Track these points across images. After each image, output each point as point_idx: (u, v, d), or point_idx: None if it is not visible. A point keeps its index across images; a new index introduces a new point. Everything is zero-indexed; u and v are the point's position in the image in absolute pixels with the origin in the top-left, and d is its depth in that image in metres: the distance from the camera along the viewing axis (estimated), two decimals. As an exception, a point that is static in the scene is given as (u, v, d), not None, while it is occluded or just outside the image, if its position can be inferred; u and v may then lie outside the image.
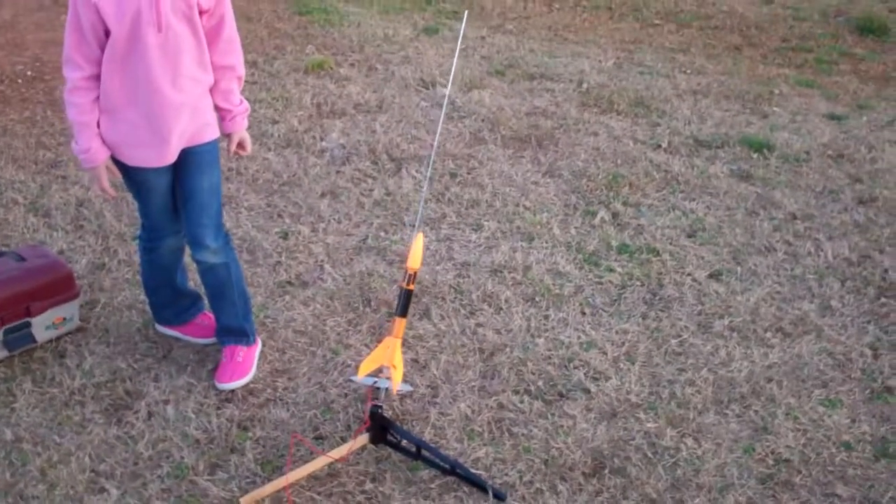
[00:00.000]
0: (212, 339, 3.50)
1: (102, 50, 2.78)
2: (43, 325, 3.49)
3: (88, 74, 2.82)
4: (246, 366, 3.35)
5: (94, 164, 2.97)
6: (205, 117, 3.02)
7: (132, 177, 3.07)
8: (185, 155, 3.03)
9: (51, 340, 3.53)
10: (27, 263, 3.52)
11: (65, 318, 3.55)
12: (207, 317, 3.56)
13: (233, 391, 3.31)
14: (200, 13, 2.84)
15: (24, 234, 4.27)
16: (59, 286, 3.52)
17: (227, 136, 3.18)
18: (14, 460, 3.00)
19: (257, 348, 3.45)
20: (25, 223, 4.35)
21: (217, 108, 3.11)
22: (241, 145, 3.23)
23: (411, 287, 3.05)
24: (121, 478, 2.94)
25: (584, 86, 6.48)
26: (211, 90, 3.05)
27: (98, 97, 2.86)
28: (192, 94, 2.93)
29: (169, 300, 3.49)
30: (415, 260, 3.03)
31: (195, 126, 2.99)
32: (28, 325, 3.44)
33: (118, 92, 2.84)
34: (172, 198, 3.16)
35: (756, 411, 3.32)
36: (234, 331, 3.36)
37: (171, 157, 2.98)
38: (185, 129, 2.96)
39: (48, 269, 3.53)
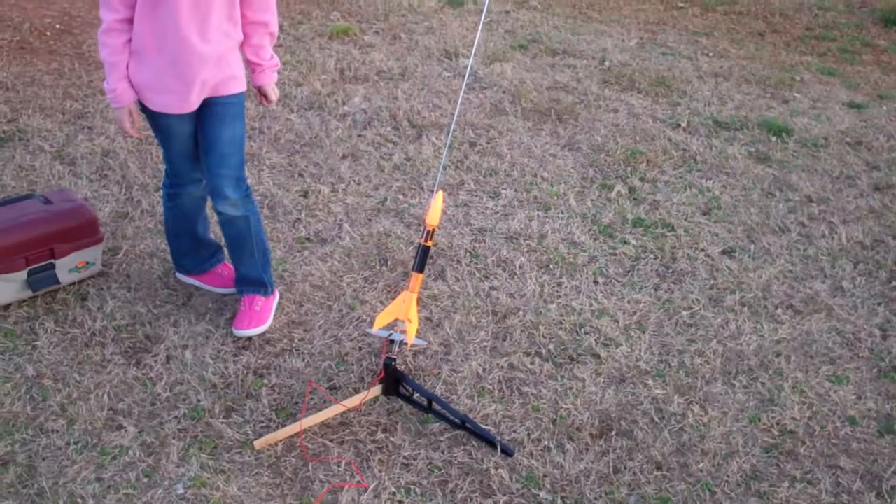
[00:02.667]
0: (230, 290, 3.56)
1: None
2: (66, 268, 3.55)
3: (122, 17, 2.87)
4: (263, 315, 3.41)
5: (120, 103, 3.02)
6: (231, 70, 3.06)
7: (157, 121, 3.13)
8: (209, 105, 3.08)
9: (73, 283, 3.60)
10: (53, 206, 3.58)
11: (88, 262, 3.61)
12: (227, 267, 3.62)
13: (249, 339, 3.37)
14: None
15: (49, 180, 4.33)
16: (83, 230, 3.58)
17: (256, 87, 3.23)
18: (35, 395, 3.07)
19: (275, 299, 3.51)
20: (51, 170, 4.42)
21: (248, 62, 3.16)
22: (265, 95, 3.29)
23: (429, 243, 3.10)
24: (138, 416, 3.01)
25: (606, 63, 6.51)
26: (242, 44, 3.10)
27: (130, 40, 2.91)
28: (219, 46, 2.97)
29: (189, 248, 3.55)
30: (433, 217, 3.08)
31: (220, 77, 3.04)
32: (52, 266, 3.51)
33: (147, 36, 2.89)
34: (195, 146, 3.21)
35: (763, 383, 3.37)
36: (253, 281, 3.42)
37: (194, 104, 3.03)
38: (208, 78, 3.00)
39: (73, 213, 3.59)
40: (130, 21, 2.88)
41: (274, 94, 3.30)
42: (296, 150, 4.83)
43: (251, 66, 3.19)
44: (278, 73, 3.27)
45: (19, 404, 3.02)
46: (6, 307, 3.45)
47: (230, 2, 2.94)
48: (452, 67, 6.16)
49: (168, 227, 3.52)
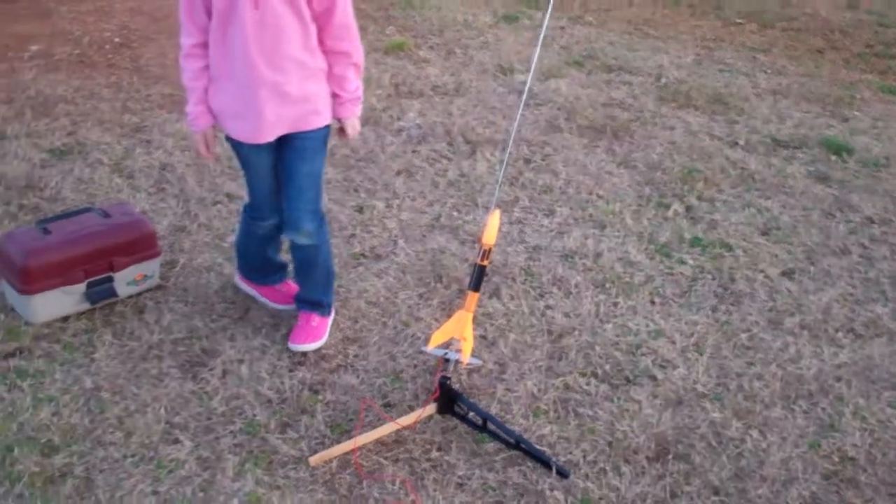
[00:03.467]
0: (287, 306, 3.58)
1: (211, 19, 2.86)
2: (124, 281, 3.60)
3: (198, 41, 2.90)
4: (319, 331, 3.41)
5: (196, 128, 3.06)
6: (312, 104, 3.01)
7: (235, 149, 3.16)
8: (289, 139, 3.06)
9: (131, 296, 3.64)
10: (112, 220, 3.63)
11: (146, 276, 3.65)
12: (288, 285, 3.63)
13: (305, 355, 3.38)
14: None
15: (108, 193, 4.39)
16: (141, 244, 3.63)
17: (336, 119, 3.18)
18: (93, 407, 3.10)
19: (331, 317, 3.51)
20: (110, 183, 4.48)
21: (331, 93, 3.09)
22: (342, 130, 3.21)
23: (485, 262, 3.09)
24: (194, 431, 3.03)
25: (663, 80, 6.45)
26: (327, 75, 3.04)
27: (208, 65, 2.94)
28: (292, 77, 2.91)
29: (256, 265, 3.59)
30: (490, 236, 3.07)
31: (298, 112, 2.99)
32: (111, 279, 3.55)
33: (220, 62, 2.91)
34: (275, 180, 3.20)
35: (823, 409, 3.30)
36: (314, 302, 3.43)
37: (266, 135, 3.01)
38: (284, 112, 2.96)
39: (132, 227, 3.64)
40: (206, 46, 2.91)
41: (353, 129, 3.19)
42: (351, 165, 4.85)
43: (333, 97, 3.09)
44: (361, 104, 3.18)
45: (77, 416, 3.05)
46: (65, 319, 3.49)
47: (303, 30, 2.88)
48: (507, 83, 6.15)
49: (239, 242, 3.56)
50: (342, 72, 3.02)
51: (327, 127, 3.11)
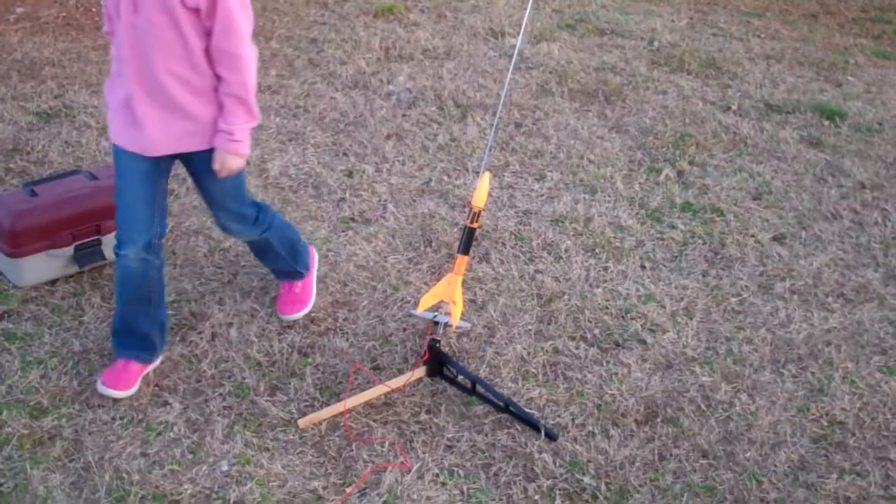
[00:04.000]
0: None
1: None
2: (112, 244, 3.56)
3: (109, 29, 2.73)
4: (305, 295, 3.40)
5: None
6: (200, 124, 2.71)
7: (115, 155, 2.84)
8: (188, 157, 2.83)
9: (120, 259, 3.61)
10: (100, 182, 3.60)
11: (134, 239, 3.62)
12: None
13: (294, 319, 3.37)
14: (189, 8, 2.51)
15: (95, 156, 4.36)
16: (130, 207, 3.59)
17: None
18: (82, 370, 3.09)
19: (313, 273, 3.45)
20: (97, 146, 4.44)
21: None
22: (223, 166, 2.78)
23: (475, 225, 3.08)
24: (183, 393, 3.02)
25: (655, 44, 6.41)
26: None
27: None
28: (172, 92, 2.62)
29: (132, 328, 3.00)
30: (480, 198, 3.05)
31: (182, 129, 2.71)
32: (98, 242, 3.53)
33: (114, 56, 2.69)
34: (149, 190, 2.82)
35: (813, 373, 3.31)
36: (286, 272, 3.38)
37: (147, 149, 2.72)
38: (166, 128, 2.69)
39: (120, 190, 3.60)
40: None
41: (221, 164, 2.76)
42: (340, 129, 4.82)
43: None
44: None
45: (66, 379, 3.04)
46: (53, 282, 3.47)
47: (183, 44, 2.56)
48: (498, 47, 6.10)
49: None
50: (221, 99, 2.68)
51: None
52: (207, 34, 2.58)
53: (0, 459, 2.73)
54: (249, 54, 2.65)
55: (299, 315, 3.36)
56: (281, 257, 3.28)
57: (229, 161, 2.75)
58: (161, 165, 2.81)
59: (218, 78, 2.65)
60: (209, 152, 2.75)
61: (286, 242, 3.26)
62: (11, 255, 3.37)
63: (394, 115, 5.01)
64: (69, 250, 3.47)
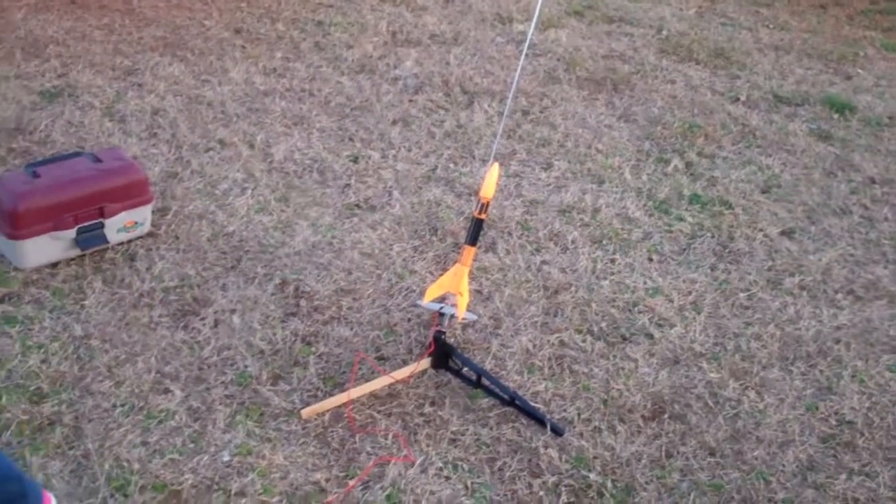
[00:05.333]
0: None
1: None
2: (115, 227, 3.53)
3: None
4: None
5: None
6: None
7: None
8: None
9: (122, 243, 3.57)
10: (103, 165, 3.55)
11: (137, 222, 3.58)
12: None
13: (298, 306, 3.32)
14: None
15: (99, 137, 4.30)
16: (133, 190, 3.55)
17: None
18: (82, 355, 3.05)
19: None
20: (101, 127, 4.39)
21: None
22: None
23: (483, 216, 3.03)
24: (185, 381, 2.98)
25: (664, 33, 6.35)
26: None
27: None
28: None
29: None
30: (488, 189, 3.00)
31: None
32: (101, 225, 3.48)
33: None
34: None
35: (821, 371, 3.27)
36: None
37: None
38: None
39: (123, 172, 3.56)
40: None
41: None
42: (346, 114, 4.76)
43: None
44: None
45: (66, 364, 3.00)
46: (54, 266, 3.43)
47: None
48: (506, 33, 6.04)
49: None
50: None
51: None
52: None
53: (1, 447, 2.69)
54: None
55: None
56: None
57: None
58: None
59: None
60: None
61: None
62: (13, 237, 3.32)
63: (400, 100, 4.96)
64: (72, 233, 3.42)
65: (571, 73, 5.51)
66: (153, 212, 3.68)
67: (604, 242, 3.89)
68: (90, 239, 3.49)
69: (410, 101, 4.96)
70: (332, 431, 2.84)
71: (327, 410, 2.90)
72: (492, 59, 5.58)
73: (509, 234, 3.88)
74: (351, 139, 4.51)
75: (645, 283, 3.66)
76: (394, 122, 4.71)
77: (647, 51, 5.99)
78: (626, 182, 4.35)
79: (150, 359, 3.04)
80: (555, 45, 5.91)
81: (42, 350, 3.05)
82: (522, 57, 3.56)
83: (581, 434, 2.92)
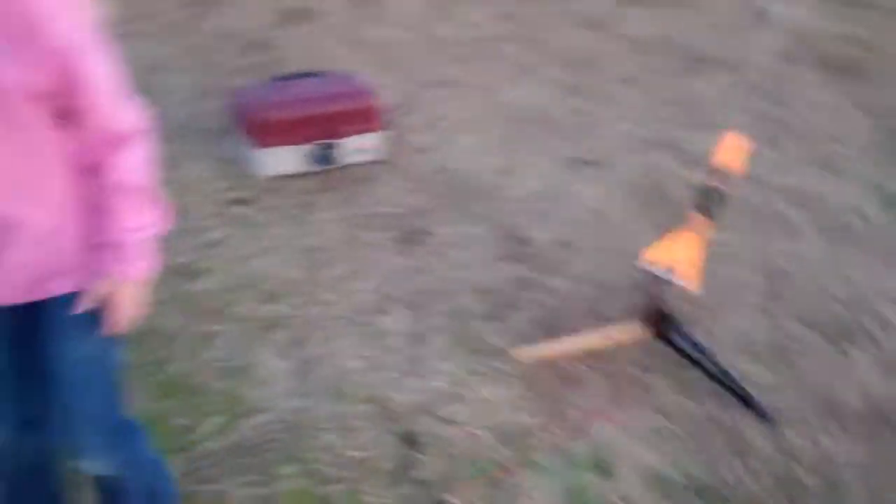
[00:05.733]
0: None
1: None
2: (346, 149, 3.63)
3: None
4: None
5: None
6: (57, 257, 1.66)
7: None
8: (36, 315, 1.71)
9: (352, 164, 3.67)
10: (339, 88, 3.68)
11: (367, 147, 3.68)
12: None
13: (516, 251, 3.34)
14: (33, 98, 1.51)
15: (334, 61, 4.43)
16: (366, 115, 3.66)
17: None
18: (311, 265, 3.17)
19: None
20: (337, 51, 4.51)
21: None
22: (108, 303, 1.71)
23: (723, 187, 2.94)
24: (406, 305, 3.06)
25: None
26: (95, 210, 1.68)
27: None
28: (14, 209, 1.59)
29: None
30: (732, 159, 2.91)
31: (39, 266, 1.66)
32: (334, 145, 3.60)
33: None
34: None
35: None
36: None
37: None
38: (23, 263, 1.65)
39: (358, 97, 3.67)
40: None
41: (124, 308, 1.72)
42: (575, 66, 4.72)
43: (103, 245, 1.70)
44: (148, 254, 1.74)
45: (295, 271, 3.14)
46: (290, 177, 3.56)
47: (23, 143, 1.56)
48: (746, 3, 5.83)
49: None
50: (109, 200, 1.66)
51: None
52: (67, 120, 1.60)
53: (227, 336, 2.83)
54: None
55: None
56: None
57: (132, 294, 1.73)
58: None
59: (100, 174, 1.66)
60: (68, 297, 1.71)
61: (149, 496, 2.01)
62: (258, 145, 3.47)
63: (630, 59, 4.87)
64: (308, 148, 3.55)
65: (808, 52, 5.27)
66: (383, 140, 3.77)
67: (832, 232, 3.73)
68: (323, 157, 3.62)
69: (642, 61, 4.87)
70: (541, 378, 2.86)
71: (539, 357, 2.92)
72: (726, 28, 5.40)
73: (737, 212, 3.77)
74: (577, 93, 4.48)
75: (873, 281, 3.49)
76: (624, 81, 4.64)
77: (891, 35, 5.65)
78: (859, 172, 4.15)
79: (373, 279, 3.13)
80: (791, 20, 5.66)
81: (274, 254, 3.19)
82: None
83: (791, 425, 2.83)
